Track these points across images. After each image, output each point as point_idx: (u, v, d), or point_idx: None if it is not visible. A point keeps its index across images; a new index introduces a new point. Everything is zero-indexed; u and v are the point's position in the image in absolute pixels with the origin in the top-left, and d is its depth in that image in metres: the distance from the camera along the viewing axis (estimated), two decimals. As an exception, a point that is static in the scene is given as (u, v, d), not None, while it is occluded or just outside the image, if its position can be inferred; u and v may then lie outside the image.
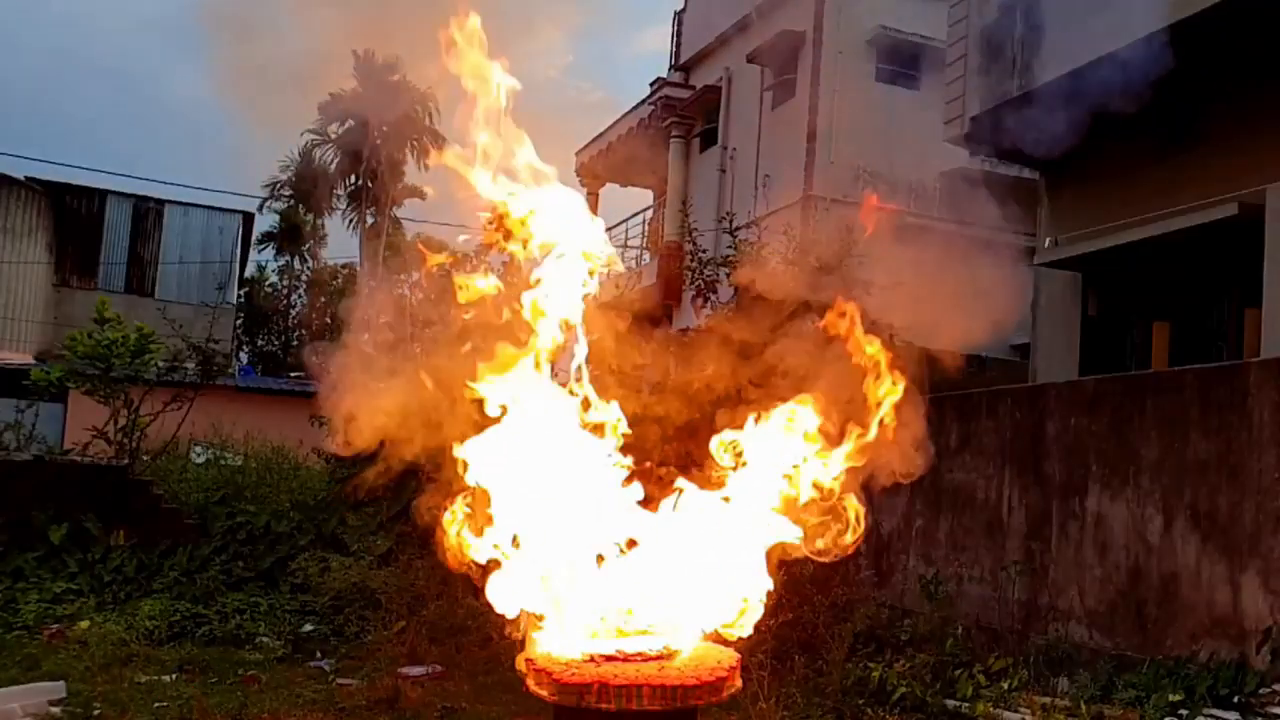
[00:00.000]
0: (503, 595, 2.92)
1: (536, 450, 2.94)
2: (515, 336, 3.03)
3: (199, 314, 12.70)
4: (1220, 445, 6.66)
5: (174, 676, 7.39)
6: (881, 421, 2.99)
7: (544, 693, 2.70)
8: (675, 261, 17.31)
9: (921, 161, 14.69)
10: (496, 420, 2.97)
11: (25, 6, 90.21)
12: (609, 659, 2.76)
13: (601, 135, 22.53)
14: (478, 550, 2.97)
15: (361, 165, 35.00)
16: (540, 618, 2.90)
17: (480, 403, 2.98)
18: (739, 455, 3.04)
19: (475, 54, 3.17)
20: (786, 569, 3.04)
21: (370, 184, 35.20)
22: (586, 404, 3.08)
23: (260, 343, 41.08)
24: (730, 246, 10.59)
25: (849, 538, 2.99)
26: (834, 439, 3.00)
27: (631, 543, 2.99)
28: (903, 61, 16.42)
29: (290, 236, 38.73)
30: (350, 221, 36.79)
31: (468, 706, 6.80)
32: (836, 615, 7.43)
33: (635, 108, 21.32)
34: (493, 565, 2.96)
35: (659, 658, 2.80)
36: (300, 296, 41.70)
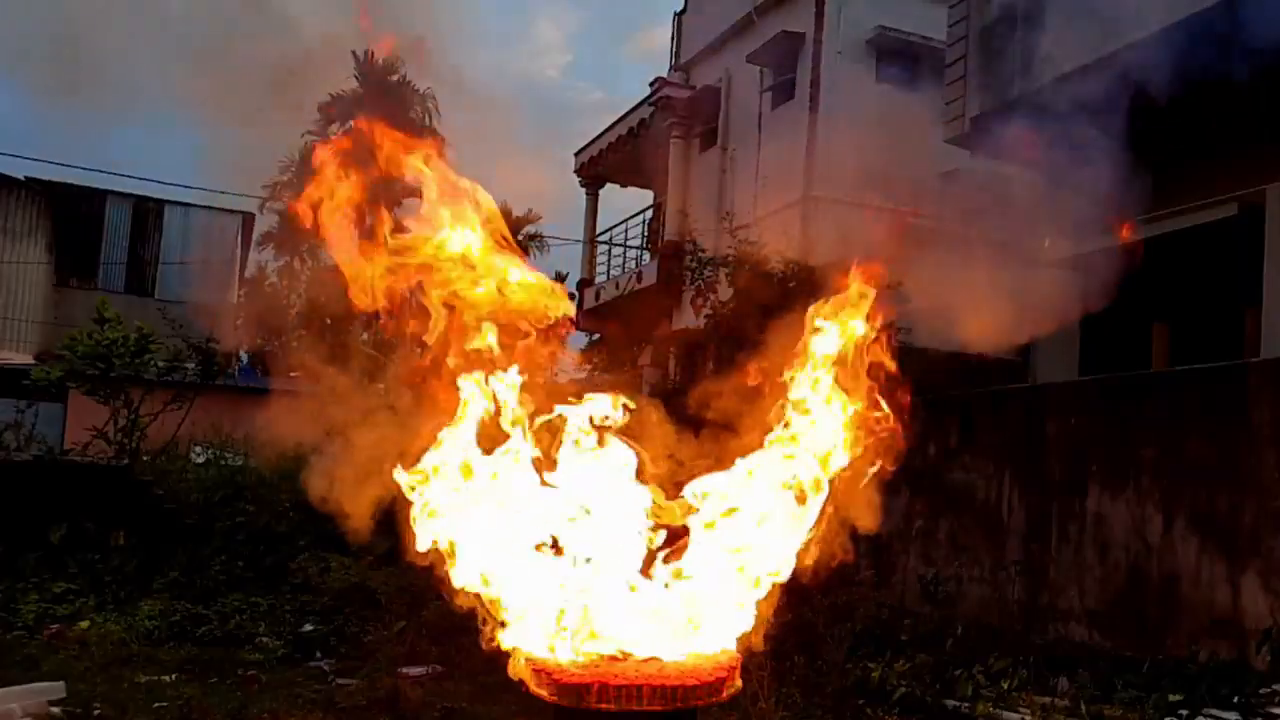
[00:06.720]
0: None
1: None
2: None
3: (199, 314, 12.71)
4: (1220, 445, 6.66)
5: (174, 676, 7.38)
6: None
7: (544, 693, 2.69)
8: (675, 261, 17.30)
9: (921, 161, 14.67)
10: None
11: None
12: (609, 659, 2.76)
13: (601, 135, 22.52)
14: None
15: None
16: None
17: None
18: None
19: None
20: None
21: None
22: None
23: (260, 342, 40.94)
24: (730, 247, 10.60)
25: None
26: None
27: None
28: (903, 61, 16.40)
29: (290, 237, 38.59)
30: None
31: (468, 706, 6.79)
32: (836, 615, 7.42)
33: (635, 108, 21.31)
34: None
35: (659, 658, 2.80)
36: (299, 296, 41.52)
